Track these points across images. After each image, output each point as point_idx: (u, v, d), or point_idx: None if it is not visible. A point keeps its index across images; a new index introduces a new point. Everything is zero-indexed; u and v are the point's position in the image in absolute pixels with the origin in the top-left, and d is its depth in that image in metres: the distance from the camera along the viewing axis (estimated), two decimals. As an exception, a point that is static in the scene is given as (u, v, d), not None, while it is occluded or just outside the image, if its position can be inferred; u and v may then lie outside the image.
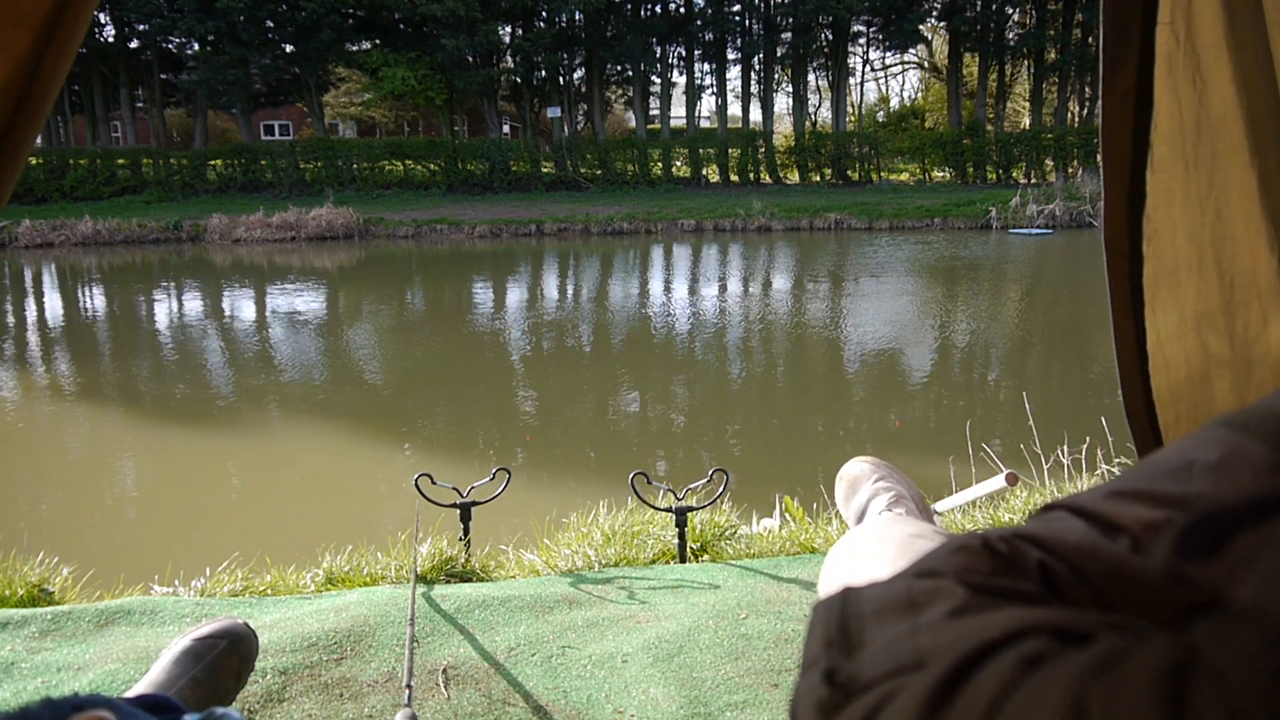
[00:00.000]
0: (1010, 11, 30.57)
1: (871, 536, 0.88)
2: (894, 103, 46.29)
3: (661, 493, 2.85)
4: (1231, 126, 0.90)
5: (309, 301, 13.64)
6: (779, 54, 31.21)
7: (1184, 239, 0.99)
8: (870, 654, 0.32)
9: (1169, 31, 0.92)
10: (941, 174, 30.72)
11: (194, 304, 13.90)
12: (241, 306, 13.61)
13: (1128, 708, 0.24)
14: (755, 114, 32.54)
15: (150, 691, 1.23)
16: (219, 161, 27.80)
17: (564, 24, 29.59)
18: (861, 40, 33.90)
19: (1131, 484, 0.35)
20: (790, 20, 29.92)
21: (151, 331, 11.85)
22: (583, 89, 32.78)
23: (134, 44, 28.83)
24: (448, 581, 2.45)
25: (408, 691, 1.49)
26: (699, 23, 30.43)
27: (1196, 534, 0.30)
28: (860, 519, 1.25)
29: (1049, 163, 28.83)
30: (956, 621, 0.31)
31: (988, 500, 2.95)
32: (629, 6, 29.46)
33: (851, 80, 36.14)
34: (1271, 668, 0.24)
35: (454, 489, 2.56)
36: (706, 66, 32.37)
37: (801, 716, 0.33)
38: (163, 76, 29.78)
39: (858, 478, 1.31)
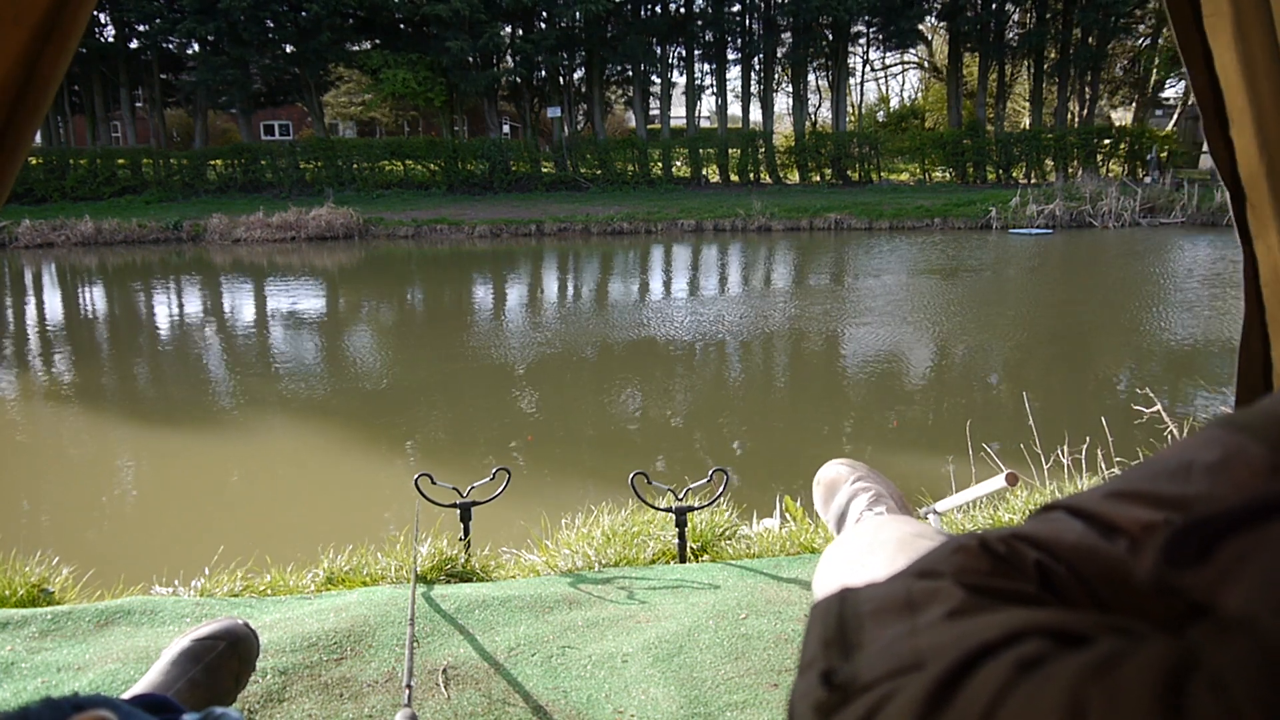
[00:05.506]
0: (1010, 10, 30.55)
1: (867, 538, 0.87)
2: (894, 103, 46.27)
3: (661, 493, 2.84)
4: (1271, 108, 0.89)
5: (309, 301, 13.64)
6: (779, 54, 31.20)
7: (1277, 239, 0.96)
8: (868, 655, 0.32)
9: (1214, 24, 0.92)
10: (941, 174, 30.67)
11: (194, 304, 13.90)
12: (242, 307, 13.60)
13: (1125, 710, 0.24)
14: (755, 114, 32.55)
15: (149, 692, 1.23)
16: (219, 161, 27.77)
17: (564, 25, 29.58)
18: (861, 40, 33.90)
19: (1130, 484, 0.35)
20: (790, 20, 29.92)
21: (152, 332, 11.85)
22: (583, 89, 32.77)
23: (134, 44, 28.83)
24: (448, 581, 2.45)
25: (408, 691, 1.49)
26: (699, 23, 30.42)
27: (1185, 540, 0.30)
28: (840, 521, 1.23)
29: (1049, 163, 28.79)
30: (954, 622, 0.31)
31: (988, 500, 2.95)
32: (629, 7, 29.45)
33: (851, 80, 36.15)
34: (1269, 674, 0.24)
35: (454, 489, 2.56)
36: (706, 66, 32.36)
37: (799, 717, 0.33)
38: (163, 76, 29.78)
39: (835, 479, 1.29)
